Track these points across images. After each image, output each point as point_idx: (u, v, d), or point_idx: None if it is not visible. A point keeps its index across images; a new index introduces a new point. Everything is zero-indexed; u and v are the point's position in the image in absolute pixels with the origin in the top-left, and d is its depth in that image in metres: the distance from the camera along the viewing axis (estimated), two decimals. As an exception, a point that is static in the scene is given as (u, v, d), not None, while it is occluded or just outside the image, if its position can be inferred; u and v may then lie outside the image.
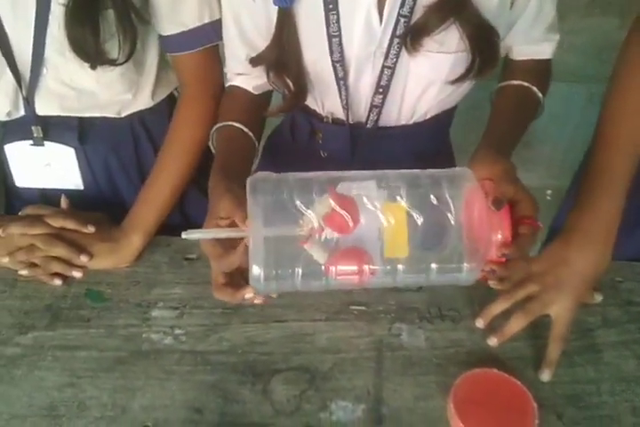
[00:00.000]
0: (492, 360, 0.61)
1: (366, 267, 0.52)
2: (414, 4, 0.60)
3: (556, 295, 0.60)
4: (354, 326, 0.65)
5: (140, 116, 0.78)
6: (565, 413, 0.56)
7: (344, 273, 0.52)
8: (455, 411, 0.54)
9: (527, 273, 0.63)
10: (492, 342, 0.61)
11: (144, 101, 0.77)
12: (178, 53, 0.72)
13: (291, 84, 0.68)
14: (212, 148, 0.72)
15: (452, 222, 0.52)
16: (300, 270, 0.53)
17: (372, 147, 0.74)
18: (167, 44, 0.72)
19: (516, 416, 0.54)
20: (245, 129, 0.68)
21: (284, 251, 0.53)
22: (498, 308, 0.62)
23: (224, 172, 0.60)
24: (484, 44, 0.62)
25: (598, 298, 0.67)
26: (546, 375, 0.59)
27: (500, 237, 0.55)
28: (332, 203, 0.51)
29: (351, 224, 0.51)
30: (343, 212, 0.51)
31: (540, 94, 0.71)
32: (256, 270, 0.53)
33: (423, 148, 0.79)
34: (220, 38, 0.71)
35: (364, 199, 0.51)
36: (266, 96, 0.76)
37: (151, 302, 0.68)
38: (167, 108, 0.80)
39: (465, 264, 0.55)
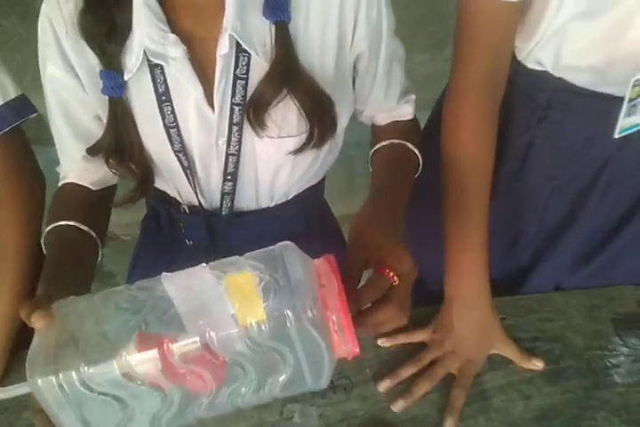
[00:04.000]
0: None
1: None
2: (245, 92, 0.60)
3: (454, 359, 0.64)
4: (243, 416, 0.62)
5: None
6: (462, 471, 0.55)
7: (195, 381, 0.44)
8: None
9: (429, 341, 0.67)
10: (398, 406, 0.61)
11: None
12: None
13: (135, 169, 0.65)
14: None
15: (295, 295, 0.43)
16: (125, 419, 0.43)
17: (231, 234, 0.72)
18: None
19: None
20: (84, 227, 0.63)
21: (91, 404, 0.42)
22: (406, 372, 0.64)
23: (49, 282, 0.54)
24: (320, 113, 0.62)
25: (539, 364, 0.65)
26: (450, 423, 0.59)
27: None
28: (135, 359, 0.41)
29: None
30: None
31: (416, 150, 0.70)
32: None
33: (291, 228, 0.76)
34: (21, 118, 0.64)
35: (201, 283, 0.43)
36: (108, 191, 0.71)
37: (21, 430, 0.62)
38: None
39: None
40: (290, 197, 0.74)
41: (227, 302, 0.42)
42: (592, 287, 0.75)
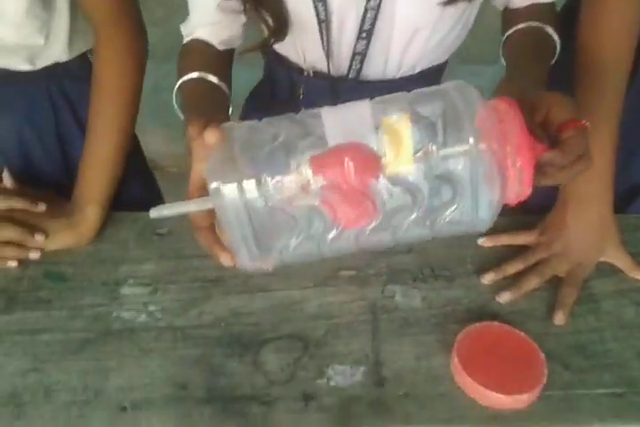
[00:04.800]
0: (491, 315, 0.58)
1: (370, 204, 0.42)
2: None
3: (563, 260, 0.62)
4: (345, 290, 0.61)
5: (58, 81, 0.71)
6: (572, 362, 0.54)
7: (350, 217, 0.42)
8: (460, 365, 0.51)
9: (535, 244, 0.64)
10: (505, 297, 0.59)
11: (59, 51, 0.68)
12: None
13: (270, 20, 0.63)
14: (178, 111, 0.65)
15: (465, 141, 0.40)
16: (293, 238, 0.44)
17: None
18: None
19: (524, 367, 0.52)
20: (215, 80, 0.62)
21: (267, 218, 0.43)
22: (512, 268, 0.62)
23: (206, 113, 0.53)
24: None
25: None
26: (560, 317, 0.57)
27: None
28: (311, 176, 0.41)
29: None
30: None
31: (554, 34, 0.65)
32: (237, 254, 0.44)
33: None
34: None
35: (358, 120, 0.42)
36: (229, 54, 0.69)
37: (119, 279, 0.62)
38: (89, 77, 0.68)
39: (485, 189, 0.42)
40: (415, 71, 0.71)
41: (378, 142, 0.41)
42: None
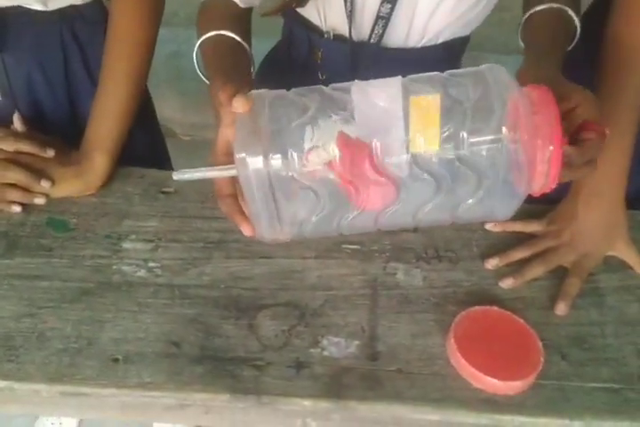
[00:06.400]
0: (492, 300, 0.57)
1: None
2: None
3: (570, 251, 0.61)
4: (346, 264, 0.60)
5: (70, 23, 0.69)
6: (570, 353, 0.53)
7: (373, 197, 0.42)
8: (457, 347, 0.50)
9: (544, 232, 0.63)
10: (507, 282, 0.59)
11: None
12: None
13: None
14: (198, 71, 0.63)
15: (496, 126, 0.40)
16: (313, 214, 0.44)
17: (374, 70, 0.68)
18: None
19: (520, 354, 0.51)
20: (238, 38, 0.60)
21: (289, 193, 0.42)
22: (517, 255, 0.61)
23: (225, 76, 0.52)
24: None
25: None
26: (562, 307, 0.56)
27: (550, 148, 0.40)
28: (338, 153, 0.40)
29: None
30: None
31: (576, 17, 0.63)
32: (257, 225, 0.44)
33: None
34: None
35: (388, 99, 0.41)
36: (249, 13, 0.68)
37: (122, 233, 0.62)
38: (104, 24, 0.67)
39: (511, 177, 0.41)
40: (438, 42, 0.69)
41: (406, 123, 0.40)
42: None
